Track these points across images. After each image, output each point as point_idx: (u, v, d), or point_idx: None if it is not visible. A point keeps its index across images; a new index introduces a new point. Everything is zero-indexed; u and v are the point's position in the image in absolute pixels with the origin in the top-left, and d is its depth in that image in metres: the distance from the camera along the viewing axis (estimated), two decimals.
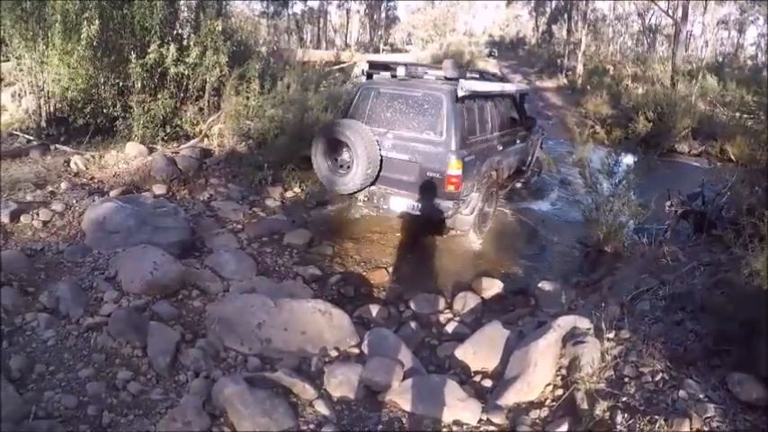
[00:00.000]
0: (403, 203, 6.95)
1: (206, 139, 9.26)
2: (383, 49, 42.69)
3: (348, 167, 6.90)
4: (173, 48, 8.67)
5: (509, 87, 9.52)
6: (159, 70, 8.96)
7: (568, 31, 38.20)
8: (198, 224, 6.71)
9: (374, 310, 5.40)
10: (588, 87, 25.29)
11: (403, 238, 7.56)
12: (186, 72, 9.04)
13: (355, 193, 7.16)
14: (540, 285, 5.86)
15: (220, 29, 9.14)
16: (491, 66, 33.42)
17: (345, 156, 7.00)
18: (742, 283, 4.05)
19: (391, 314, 5.51)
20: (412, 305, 5.65)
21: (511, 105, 9.27)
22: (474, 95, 7.10)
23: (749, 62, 35.90)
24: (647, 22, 42.89)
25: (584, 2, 35.45)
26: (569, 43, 36.61)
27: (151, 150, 8.56)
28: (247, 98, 9.29)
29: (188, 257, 5.71)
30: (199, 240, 6.31)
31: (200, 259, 5.78)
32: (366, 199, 7.28)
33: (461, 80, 6.76)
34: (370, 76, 7.77)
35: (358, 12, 48.73)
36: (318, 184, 7.89)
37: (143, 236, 5.61)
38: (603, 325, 3.86)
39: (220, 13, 9.83)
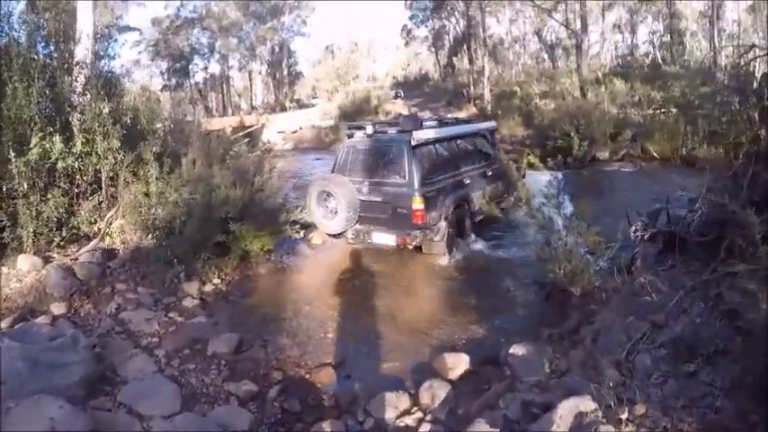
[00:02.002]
0: (384, 237, 8.36)
1: (107, 238, 7.99)
2: (290, 107, 42.26)
3: (335, 213, 8.41)
4: (57, 139, 7.49)
5: (473, 127, 10.84)
6: (47, 166, 7.71)
7: (470, 60, 38.71)
8: (106, 347, 5.48)
9: (328, 427, 4.43)
10: (499, 112, 25.36)
11: (343, 307, 6.90)
12: (76, 164, 7.85)
13: (343, 232, 8.68)
14: (511, 351, 5.00)
15: (107, 111, 8.05)
16: (399, 107, 33.37)
17: (332, 203, 8.45)
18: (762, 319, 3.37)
19: (350, 429, 4.53)
20: (372, 411, 4.67)
21: (479, 142, 10.36)
22: (430, 142, 8.61)
23: (646, 60, 37.00)
24: (544, 39, 44.04)
25: (480, 29, 35.91)
26: (473, 72, 37.04)
27: (47, 260, 7.23)
28: (147, 184, 8.15)
29: (97, 396, 4.55)
30: (109, 368, 5.07)
31: (112, 396, 4.61)
32: (354, 236, 8.73)
33: (414, 132, 8.25)
34: (350, 136, 9.39)
35: (260, 72, 48.30)
36: (238, 271, 7.81)
37: (38, 382, 4.42)
38: (611, 401, 3.09)
39: (109, 93, 8.72)
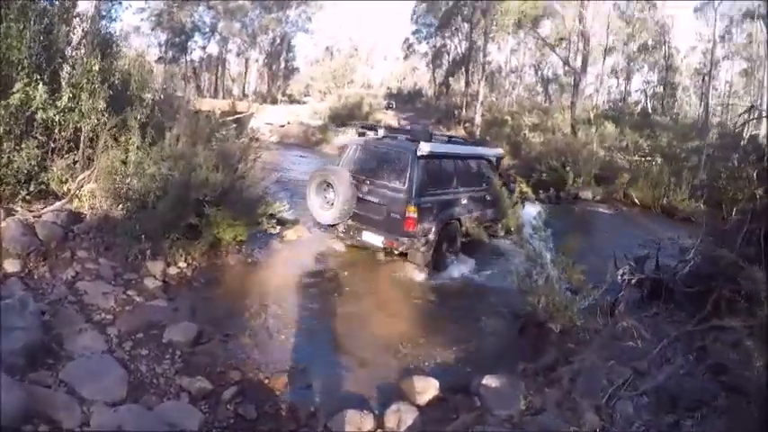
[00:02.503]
0: (373, 238, 8.49)
1: (75, 201, 7.51)
2: (281, 101, 41.87)
3: (331, 204, 8.55)
4: (41, 88, 7.06)
5: (480, 150, 10.88)
6: (26, 114, 7.26)
7: (466, 82, 38.78)
8: (56, 316, 5.09)
9: None
10: (487, 138, 25.33)
11: (311, 311, 6.67)
12: (57, 118, 7.42)
13: (336, 224, 8.77)
14: (484, 382, 4.75)
15: (97, 68, 7.64)
16: (389, 117, 33.24)
17: (331, 194, 8.59)
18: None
19: None
20: (332, 428, 4.34)
21: (483, 166, 10.36)
22: (435, 156, 8.75)
23: (636, 108, 37.50)
24: (541, 73, 44.35)
25: (481, 54, 36.00)
26: (467, 95, 37.06)
27: (9, 213, 6.77)
28: (126, 152, 7.75)
29: (38, 369, 4.16)
30: (56, 340, 4.69)
31: (54, 371, 4.22)
32: (344, 231, 8.86)
33: (422, 142, 8.45)
34: (362, 135, 9.69)
35: (257, 61, 47.83)
36: (206, 258, 7.45)
37: None
38: None
39: (105, 52, 8.29)
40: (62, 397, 3.92)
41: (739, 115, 8.35)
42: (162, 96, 9.39)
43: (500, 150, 12.34)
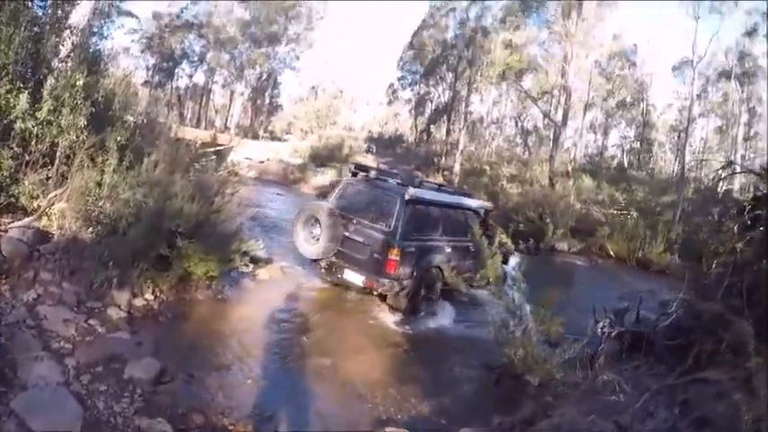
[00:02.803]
0: (354, 277, 8.51)
1: (45, 219, 7.18)
2: (262, 136, 41.82)
3: (317, 239, 8.63)
4: (24, 97, 6.79)
5: (468, 202, 10.88)
6: (4, 122, 6.95)
7: (447, 131, 39.14)
8: (12, 340, 4.78)
9: None
10: (465, 187, 25.54)
11: (281, 354, 6.40)
12: (35, 130, 7.12)
13: (319, 259, 8.87)
14: None
15: (82, 83, 7.39)
16: (369, 161, 33.32)
17: (317, 230, 8.67)
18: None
19: None
20: None
21: (471, 218, 10.34)
22: (423, 202, 8.89)
23: (613, 162, 38.16)
24: (522, 125, 44.99)
25: (463, 104, 36.47)
26: (447, 143, 37.39)
27: None
28: (102, 173, 7.46)
29: None
30: (9, 366, 4.40)
31: (4, 400, 3.96)
32: (326, 268, 8.97)
33: (410, 187, 8.61)
34: (354, 174, 9.70)
35: (242, 94, 47.84)
36: (175, 291, 7.11)
37: None
38: None
39: (92, 68, 8.04)
40: (11, 428, 3.68)
41: (717, 171, 8.37)
42: (144, 120, 9.16)
43: (489, 204, 12.42)
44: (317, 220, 8.73)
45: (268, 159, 29.10)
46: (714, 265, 5.03)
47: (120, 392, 4.69)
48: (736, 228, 5.08)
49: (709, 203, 6.56)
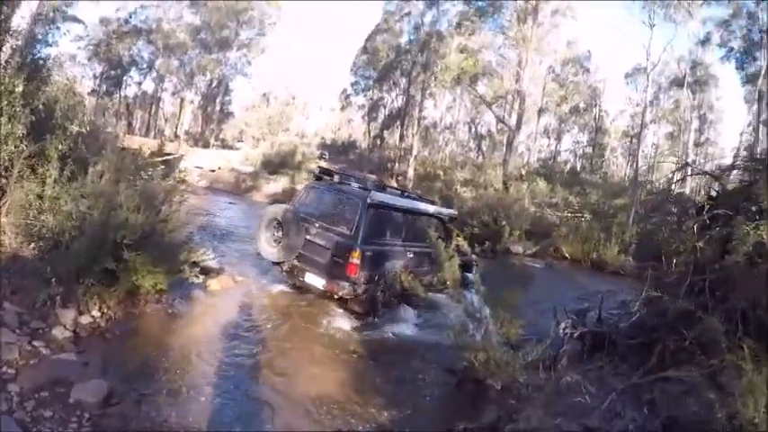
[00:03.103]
0: (315, 280, 8.56)
1: None
2: (214, 144, 41.28)
3: (279, 242, 8.69)
4: None
5: (432, 209, 10.95)
6: None
7: (401, 136, 39.22)
8: None
9: None
10: (419, 192, 25.65)
11: (235, 369, 6.08)
12: None
13: (281, 262, 8.91)
14: None
15: (21, 90, 6.96)
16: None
17: (280, 233, 8.71)
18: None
19: None
20: None
21: (434, 224, 10.46)
22: (385, 206, 9.00)
23: (566, 167, 38.82)
24: (475, 129, 45.36)
25: (417, 109, 36.58)
26: (401, 148, 37.46)
27: None
28: (43, 185, 7.08)
29: None
30: None
31: None
32: (288, 270, 8.97)
33: (372, 191, 8.77)
34: (318, 178, 9.93)
35: (192, 102, 47.06)
36: (123, 307, 6.72)
37: None
38: None
39: (32, 75, 7.60)
40: None
41: (673, 172, 8.49)
42: (88, 129, 8.74)
43: (453, 211, 12.57)
44: (279, 223, 8.77)
45: (219, 168, 28.76)
46: (674, 264, 5.01)
47: (67, 418, 4.40)
48: (695, 227, 5.06)
49: (666, 204, 6.59)
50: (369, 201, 8.55)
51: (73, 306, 6.22)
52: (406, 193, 11.10)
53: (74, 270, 6.27)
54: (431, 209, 10.94)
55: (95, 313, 6.41)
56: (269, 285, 9.52)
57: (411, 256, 9.54)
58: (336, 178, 9.62)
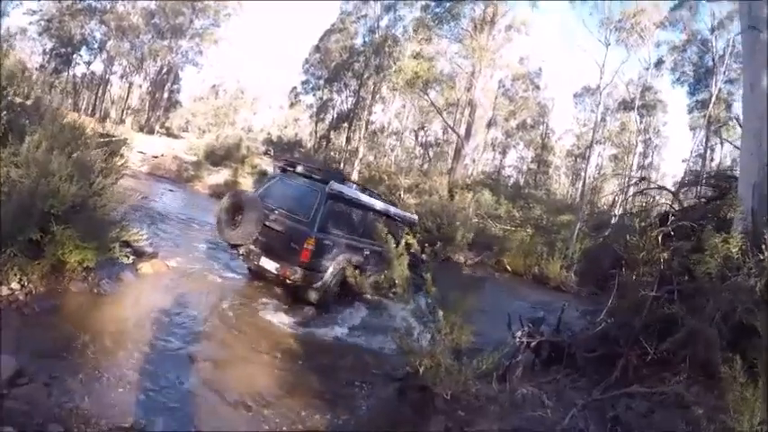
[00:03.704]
0: (269, 264, 8.55)
1: None
2: (158, 132, 40.15)
3: (237, 225, 8.78)
4: None
5: (392, 210, 11.01)
6: None
7: (347, 138, 39.03)
8: None
9: None
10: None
11: (160, 356, 5.60)
12: None
13: (238, 245, 8.94)
14: None
15: None
16: (266, 164, 32.71)
17: (239, 217, 8.82)
18: None
19: None
20: None
21: (394, 226, 10.25)
22: (344, 199, 9.12)
23: (509, 181, 39.31)
24: (421, 138, 45.49)
25: (365, 112, 36.44)
26: (346, 150, 37.25)
27: None
28: None
29: None
30: None
31: None
32: (245, 254, 8.95)
33: (332, 181, 8.84)
34: (283, 170, 9.95)
35: (140, 87, 45.73)
36: (45, 282, 6.14)
37: None
38: None
39: None
40: None
41: (630, 185, 8.53)
42: (31, 102, 8.12)
43: (415, 217, 12.78)
44: (240, 207, 8.89)
45: (162, 155, 27.95)
46: (639, 275, 4.80)
47: None
48: (660, 237, 4.89)
49: (623, 218, 6.61)
50: (328, 190, 8.68)
51: None
52: (368, 191, 11.17)
53: None
54: (391, 210, 11.03)
55: (15, 285, 5.85)
56: (205, 273, 9.22)
57: (368, 253, 9.60)
58: (300, 168, 9.67)
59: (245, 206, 8.84)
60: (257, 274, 9.34)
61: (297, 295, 8.84)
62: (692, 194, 7.35)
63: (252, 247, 8.86)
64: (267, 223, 8.79)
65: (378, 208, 10.25)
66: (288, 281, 8.58)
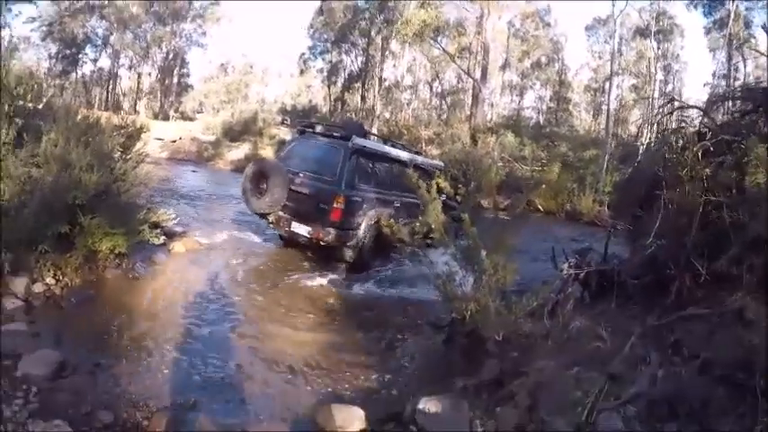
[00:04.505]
0: (301, 228, 8.52)
1: None
2: (173, 117, 40.21)
3: (263, 194, 8.59)
4: None
5: (419, 159, 10.96)
6: None
7: (362, 97, 38.60)
8: None
9: None
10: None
11: (203, 332, 5.61)
12: None
13: (266, 213, 8.83)
14: (420, 407, 3.86)
15: None
16: (284, 133, 32.60)
17: (264, 185, 8.61)
18: None
19: None
20: None
21: (421, 174, 9.52)
22: (368, 153, 9.11)
23: (531, 122, 38.62)
24: (436, 88, 44.86)
25: (377, 69, 35.99)
26: (363, 110, 36.88)
27: None
28: None
29: None
30: None
31: None
32: (275, 221, 8.90)
33: (354, 137, 8.72)
34: (301, 132, 9.87)
35: (149, 75, 45.81)
36: (80, 273, 6.13)
37: None
38: None
39: None
40: None
41: (660, 107, 8.22)
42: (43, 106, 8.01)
43: (441, 164, 12.78)
44: (263, 175, 8.70)
45: (180, 138, 28.00)
46: (681, 193, 4.56)
47: (13, 392, 3.78)
48: (700, 154, 4.64)
49: (654, 143, 6.43)
50: (351, 146, 8.62)
51: (26, 274, 5.67)
52: (390, 142, 11.32)
53: (26, 236, 5.71)
54: (418, 159, 10.86)
55: (50, 281, 5.84)
56: (236, 245, 9.31)
57: (398, 205, 9.50)
58: (319, 128, 9.62)
59: (268, 173, 8.65)
60: (290, 240, 9.24)
61: (332, 256, 8.81)
62: (722, 113, 7.05)
63: (281, 213, 8.75)
64: (293, 188, 8.62)
65: (403, 158, 10.03)
66: (321, 243, 8.50)
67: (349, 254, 8.72)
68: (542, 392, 3.58)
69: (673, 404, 2.93)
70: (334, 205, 8.28)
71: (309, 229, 8.43)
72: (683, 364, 3.32)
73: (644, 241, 4.56)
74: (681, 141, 5.08)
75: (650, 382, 3.22)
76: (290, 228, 8.71)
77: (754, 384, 2.84)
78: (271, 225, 9.24)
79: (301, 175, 8.77)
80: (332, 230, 8.32)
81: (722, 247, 3.99)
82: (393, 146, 10.79)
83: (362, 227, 8.73)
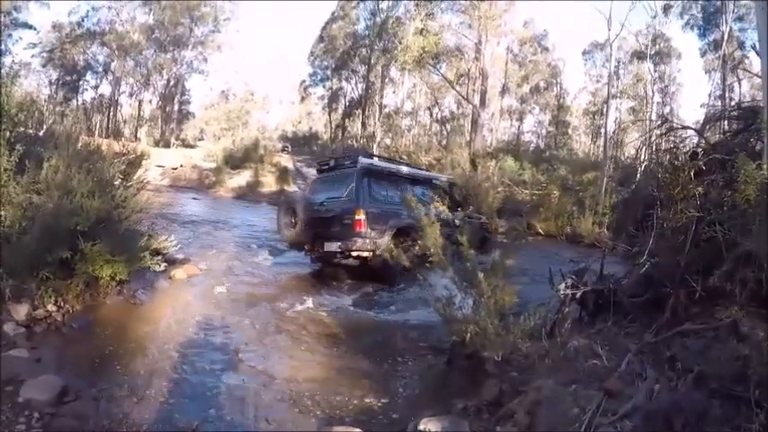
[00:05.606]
0: (332, 245, 9.47)
1: None
2: (174, 144, 40.40)
3: (294, 225, 9.73)
4: None
5: (426, 174, 12.52)
6: None
7: (362, 124, 38.84)
8: None
9: None
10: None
11: (204, 358, 5.59)
12: None
13: (298, 243, 9.96)
14: (421, 427, 3.88)
15: None
16: (285, 160, 32.77)
17: (293, 219, 9.77)
18: None
19: None
20: None
21: (430, 188, 11.38)
22: (378, 171, 10.15)
23: (530, 146, 38.84)
24: (436, 114, 45.15)
25: (377, 96, 36.27)
26: (363, 136, 37.10)
27: None
28: None
29: None
30: None
31: None
32: (308, 248, 10.06)
33: (360, 158, 9.95)
34: (319, 170, 11.44)
35: (150, 102, 46.06)
36: (81, 299, 6.22)
37: None
38: None
39: None
40: None
41: (655, 128, 8.32)
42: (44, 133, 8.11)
43: (450, 177, 13.92)
44: (293, 210, 9.85)
45: (181, 166, 28.07)
46: (677, 213, 4.64)
47: (15, 418, 3.85)
48: (693, 173, 4.71)
49: (651, 164, 6.53)
50: (359, 167, 9.70)
51: (27, 301, 5.74)
52: (396, 161, 12.63)
53: (26, 262, 5.76)
54: (425, 174, 12.28)
55: (51, 307, 5.90)
56: (235, 272, 9.39)
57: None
58: (332, 162, 10.93)
59: (296, 207, 9.80)
60: (325, 261, 10.32)
61: (356, 272, 9.86)
62: (716, 132, 7.16)
63: (314, 239, 9.71)
64: (320, 216, 9.63)
65: (412, 174, 11.13)
66: (352, 254, 9.37)
67: (382, 266, 9.29)
68: (541, 410, 3.61)
69: (669, 418, 2.96)
70: (356, 217, 9.17)
71: (339, 243, 9.33)
72: (679, 379, 3.35)
73: (639, 260, 4.63)
74: (675, 162, 5.15)
75: (647, 396, 3.25)
76: (323, 249, 9.70)
77: (749, 396, 2.89)
78: (306, 253, 10.31)
79: (326, 203, 9.84)
80: (358, 239, 9.21)
81: (716, 263, 4.05)
82: (400, 164, 11.75)
83: (386, 236, 9.48)
